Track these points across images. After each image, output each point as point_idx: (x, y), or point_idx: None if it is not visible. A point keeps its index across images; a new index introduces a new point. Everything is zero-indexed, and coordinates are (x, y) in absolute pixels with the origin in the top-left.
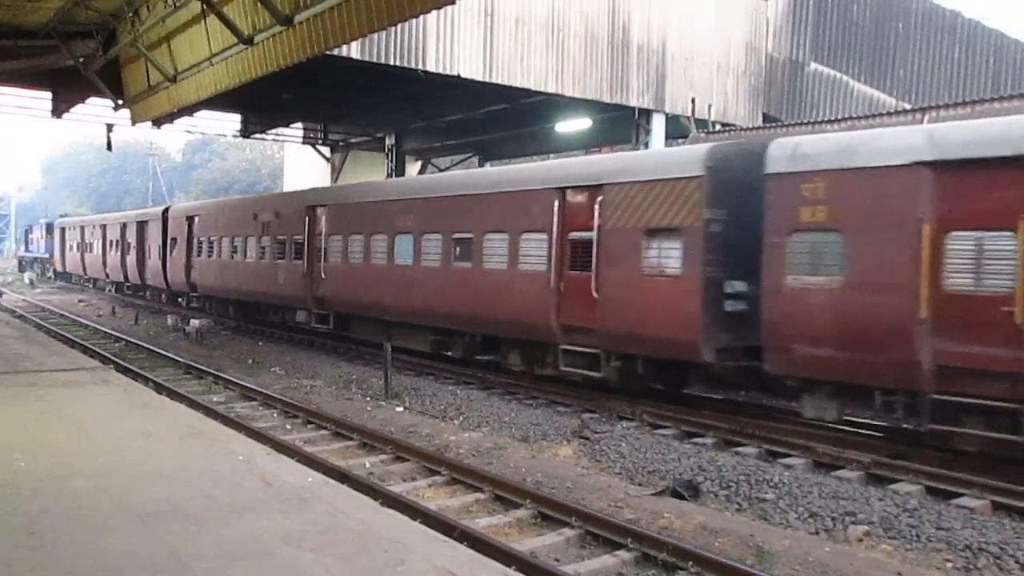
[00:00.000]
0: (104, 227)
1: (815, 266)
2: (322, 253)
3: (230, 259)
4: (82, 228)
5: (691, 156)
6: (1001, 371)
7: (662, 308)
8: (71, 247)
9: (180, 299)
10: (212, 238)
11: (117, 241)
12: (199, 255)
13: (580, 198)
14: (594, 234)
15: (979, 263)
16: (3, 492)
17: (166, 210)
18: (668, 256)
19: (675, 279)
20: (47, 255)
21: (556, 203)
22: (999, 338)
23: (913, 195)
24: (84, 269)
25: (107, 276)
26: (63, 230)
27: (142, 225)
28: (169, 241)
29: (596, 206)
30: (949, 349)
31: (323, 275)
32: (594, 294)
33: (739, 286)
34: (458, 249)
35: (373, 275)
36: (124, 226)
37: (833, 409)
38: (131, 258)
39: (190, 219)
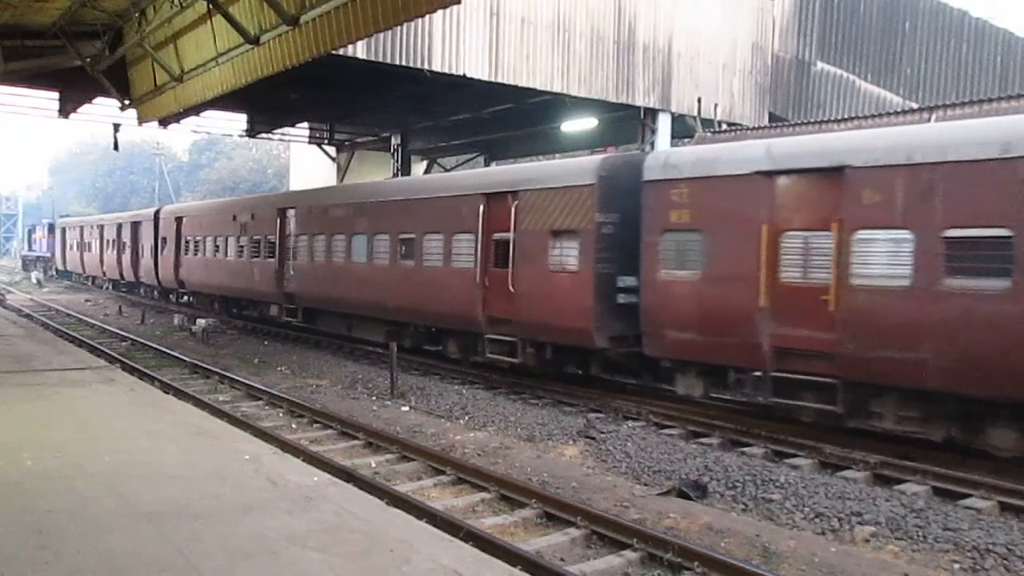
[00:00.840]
0: (102, 227)
1: (681, 261)
2: (291, 252)
3: (213, 257)
4: (81, 228)
5: (585, 166)
6: (821, 351)
7: (563, 300)
8: (71, 246)
9: (171, 295)
10: (198, 238)
11: (113, 241)
12: (186, 253)
13: (501, 203)
14: (511, 235)
15: (806, 259)
16: (10, 491)
17: (158, 211)
18: (568, 254)
19: (573, 275)
20: (49, 254)
21: (482, 207)
22: (819, 322)
23: (755, 200)
24: (83, 267)
25: (104, 274)
26: (64, 230)
27: (136, 225)
28: (160, 240)
29: (513, 210)
30: (783, 332)
31: (292, 272)
32: (511, 288)
33: (630, 281)
34: (403, 248)
35: (334, 272)
36: (120, 226)
37: (699, 387)
38: (126, 257)
39: (179, 220)
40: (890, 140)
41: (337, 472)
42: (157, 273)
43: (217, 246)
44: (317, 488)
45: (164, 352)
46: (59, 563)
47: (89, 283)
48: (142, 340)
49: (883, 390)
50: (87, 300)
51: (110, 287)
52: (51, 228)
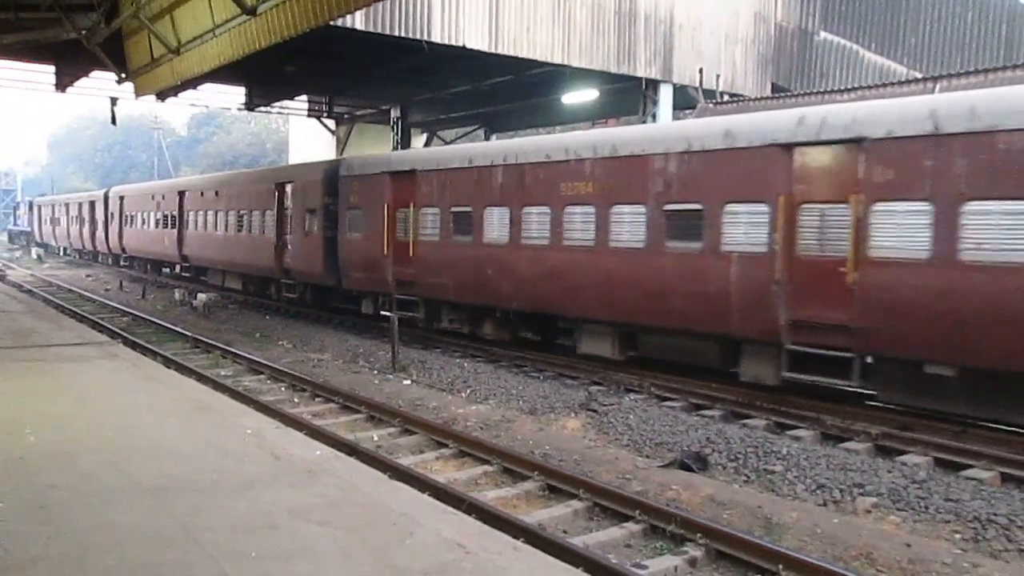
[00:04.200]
0: (67, 205)
1: (355, 227)
2: (186, 224)
3: (142, 229)
4: (52, 206)
5: (318, 167)
6: (410, 280)
7: (310, 255)
8: (45, 221)
9: (121, 261)
10: (133, 214)
11: (76, 216)
12: (127, 226)
13: (286, 189)
14: (289, 211)
15: (405, 224)
16: (13, 466)
17: (107, 192)
18: (312, 225)
19: (314, 237)
20: (29, 229)
21: (276, 193)
22: (408, 263)
23: (383, 189)
24: (55, 239)
25: (70, 244)
26: (39, 207)
27: (92, 204)
28: (109, 216)
29: (288, 194)
30: (396, 270)
31: (186, 240)
32: (289, 248)
33: None
34: (241, 221)
35: (209, 239)
36: (80, 204)
37: (371, 308)
38: (85, 229)
39: (121, 199)
40: (423, 156)
41: (339, 446)
42: (108, 242)
43: (144, 220)
44: (319, 462)
45: (165, 327)
46: (61, 538)
47: (89, 260)
48: (143, 315)
49: (439, 304)
50: (88, 275)
51: (77, 256)
52: (31, 206)
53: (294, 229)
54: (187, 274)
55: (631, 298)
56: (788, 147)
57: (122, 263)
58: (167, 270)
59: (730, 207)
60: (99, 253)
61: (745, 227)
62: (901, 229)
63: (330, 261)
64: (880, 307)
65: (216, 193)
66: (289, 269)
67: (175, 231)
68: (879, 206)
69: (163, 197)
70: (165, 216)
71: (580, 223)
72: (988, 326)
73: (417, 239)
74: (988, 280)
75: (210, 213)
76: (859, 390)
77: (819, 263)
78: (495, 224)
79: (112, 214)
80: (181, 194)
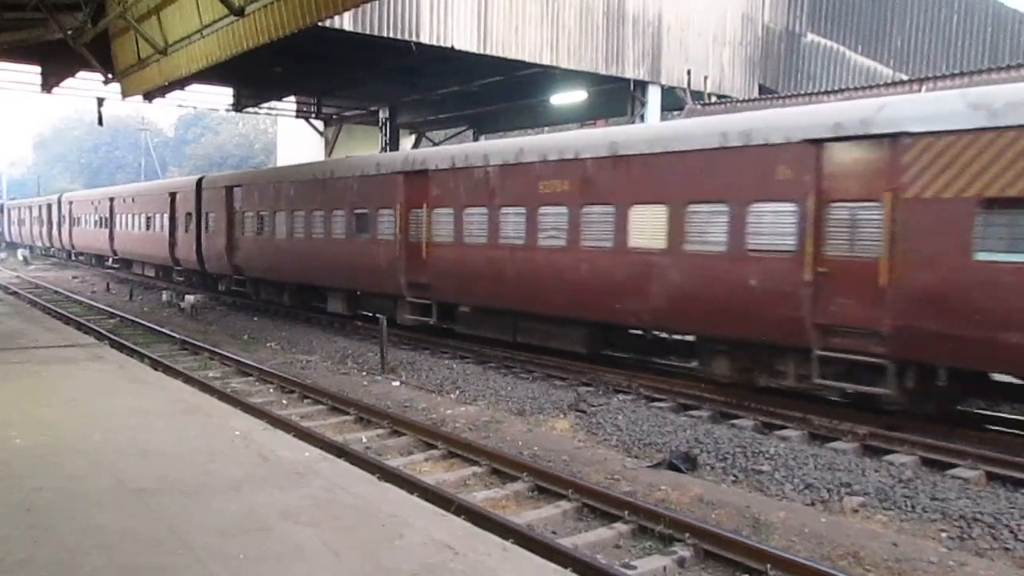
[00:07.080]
0: (31, 207)
1: (210, 226)
2: (116, 225)
3: (84, 228)
4: (19, 208)
5: (193, 180)
6: (239, 265)
7: (188, 248)
8: (14, 222)
9: (71, 255)
10: (78, 216)
11: (37, 218)
12: (74, 226)
13: (176, 197)
14: (177, 215)
15: (240, 224)
16: None
17: (60, 197)
18: (189, 225)
19: (191, 234)
20: (0, 229)
21: (170, 200)
22: (241, 254)
23: (224, 199)
24: (21, 237)
25: (33, 241)
26: (8, 210)
27: (49, 207)
28: (61, 217)
29: (177, 201)
30: (231, 257)
31: (116, 237)
32: (178, 244)
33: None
34: (149, 222)
35: (129, 237)
36: (40, 207)
37: (225, 286)
38: (44, 229)
39: (70, 203)
40: (247, 174)
41: (328, 447)
42: (60, 240)
43: (86, 221)
44: (308, 463)
45: (153, 328)
46: (50, 540)
47: (77, 261)
48: (130, 317)
49: (259, 283)
50: (74, 277)
51: (40, 251)
52: (2, 209)
53: (179, 228)
54: (117, 265)
55: (344, 272)
56: (402, 173)
57: (72, 257)
58: (107, 262)
59: (380, 210)
60: (56, 248)
61: (387, 223)
62: (444, 224)
63: (200, 252)
64: (437, 271)
65: (133, 200)
66: (178, 259)
67: (107, 230)
68: (436, 210)
69: (99, 202)
70: (101, 218)
71: (320, 222)
72: (473, 279)
73: (244, 235)
74: (472, 252)
75: (130, 216)
76: (458, 329)
77: (415, 245)
78: (280, 224)
79: (64, 216)
80: (112, 200)
